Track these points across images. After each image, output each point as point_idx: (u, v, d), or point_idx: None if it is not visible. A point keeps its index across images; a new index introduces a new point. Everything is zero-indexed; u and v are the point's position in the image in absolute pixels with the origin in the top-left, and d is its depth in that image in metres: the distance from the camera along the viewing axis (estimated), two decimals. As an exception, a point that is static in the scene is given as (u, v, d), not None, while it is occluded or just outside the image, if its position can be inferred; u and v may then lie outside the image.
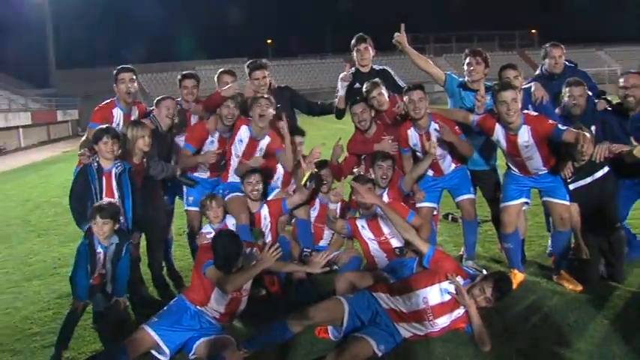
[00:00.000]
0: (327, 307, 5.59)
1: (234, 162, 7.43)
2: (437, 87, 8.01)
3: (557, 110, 7.00)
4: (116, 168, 6.26)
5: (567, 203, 6.74)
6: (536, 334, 5.60)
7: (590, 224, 6.81)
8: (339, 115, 8.24)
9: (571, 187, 6.75)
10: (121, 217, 6.17)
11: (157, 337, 5.36)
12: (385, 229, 6.86)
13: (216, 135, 7.32)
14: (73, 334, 5.79)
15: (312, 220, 7.60)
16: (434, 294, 5.52)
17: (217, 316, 5.71)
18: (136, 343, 5.32)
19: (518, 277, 6.83)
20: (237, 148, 7.37)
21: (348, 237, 7.44)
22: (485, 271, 6.52)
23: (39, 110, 46.41)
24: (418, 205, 7.31)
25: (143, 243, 7.14)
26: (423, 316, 5.46)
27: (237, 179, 7.33)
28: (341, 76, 8.09)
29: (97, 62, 62.61)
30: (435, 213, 7.71)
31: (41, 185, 18.64)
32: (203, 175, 7.58)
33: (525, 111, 6.51)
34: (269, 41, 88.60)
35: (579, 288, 6.58)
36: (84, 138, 7.10)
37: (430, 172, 7.36)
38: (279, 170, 7.62)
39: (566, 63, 7.59)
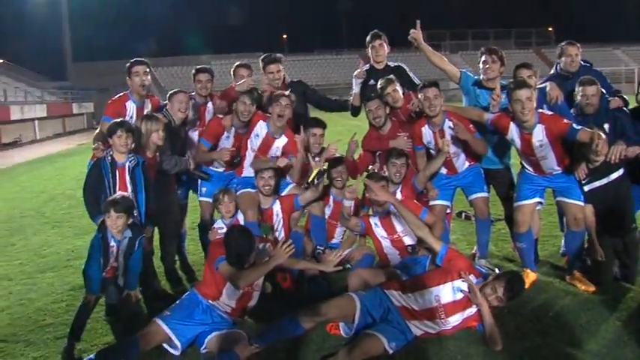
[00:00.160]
0: (339, 303, 5.60)
1: (249, 156, 7.44)
2: (452, 84, 7.99)
3: (572, 110, 6.96)
4: (130, 162, 6.28)
5: (581, 204, 6.70)
6: (548, 334, 5.57)
7: (605, 225, 6.76)
8: (355, 112, 8.23)
9: (586, 188, 6.71)
10: (135, 211, 6.18)
11: (169, 331, 5.39)
12: (398, 227, 6.86)
13: (232, 131, 7.33)
14: (86, 326, 5.81)
15: (327, 217, 7.58)
16: (446, 292, 5.52)
17: (229, 310, 5.74)
18: (149, 337, 5.35)
19: (530, 276, 6.80)
20: (254, 143, 7.38)
21: (361, 234, 7.43)
22: (497, 270, 6.55)
23: (54, 103, 46.58)
24: (431, 202, 7.28)
25: (156, 237, 7.17)
26: (434, 314, 5.46)
27: (251, 174, 7.32)
28: (355, 73, 8.08)
29: (113, 55, 62.70)
30: (448, 211, 7.70)
31: (56, 177, 18.72)
32: (218, 169, 7.60)
33: (540, 110, 6.49)
34: (284, 36, 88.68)
35: (592, 289, 6.55)
36: (97, 131, 7.16)
37: (444, 170, 7.34)
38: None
39: (582, 62, 7.53)
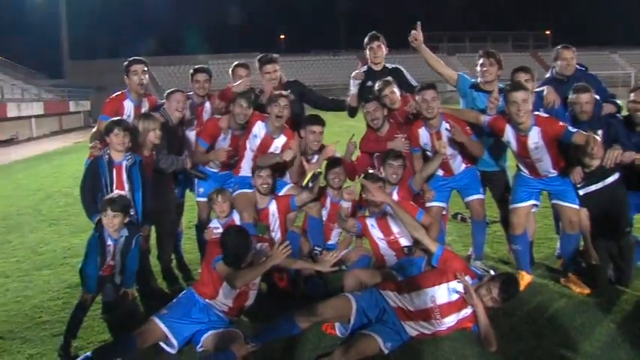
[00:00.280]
0: (335, 304, 5.63)
1: (247, 156, 7.45)
2: (449, 87, 8.03)
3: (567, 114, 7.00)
4: (127, 160, 6.31)
5: (576, 207, 6.75)
6: (543, 335, 5.61)
7: (600, 229, 6.80)
8: (352, 113, 8.25)
9: (581, 192, 6.75)
10: (132, 210, 6.20)
11: (165, 329, 5.41)
12: (394, 228, 6.90)
13: (229, 132, 7.34)
14: (82, 323, 5.84)
15: (324, 218, 7.60)
16: (442, 293, 5.55)
17: (226, 309, 5.77)
18: (146, 335, 5.37)
19: (526, 278, 6.84)
20: (252, 143, 7.39)
21: (357, 235, 7.46)
22: (493, 272, 6.56)
23: (51, 100, 46.51)
24: (428, 204, 7.31)
25: (153, 235, 7.19)
26: (430, 315, 5.49)
27: (248, 173, 7.34)
28: (353, 74, 8.11)
29: (110, 54, 62.76)
30: (444, 213, 7.73)
31: (53, 175, 18.71)
32: (214, 169, 7.61)
33: (536, 112, 6.53)
34: (282, 37, 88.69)
35: (587, 291, 6.59)
36: (94, 130, 7.19)
37: (440, 172, 7.37)
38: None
39: (577, 66, 7.57)
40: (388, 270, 6.56)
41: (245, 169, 7.47)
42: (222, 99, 7.58)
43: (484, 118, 6.86)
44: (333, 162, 7.55)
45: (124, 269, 6.08)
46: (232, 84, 7.50)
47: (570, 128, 6.25)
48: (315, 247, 7.28)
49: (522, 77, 7.12)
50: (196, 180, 7.62)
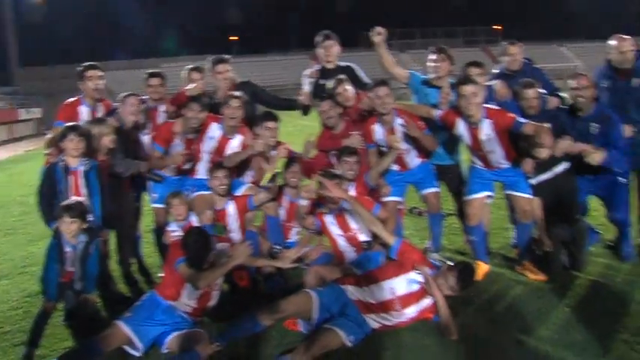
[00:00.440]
0: (297, 300, 5.71)
1: (204, 158, 7.46)
2: (401, 84, 8.10)
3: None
4: (83, 166, 6.28)
5: (529, 196, 6.92)
6: (501, 322, 5.76)
7: (552, 217, 6.99)
8: (305, 111, 8.30)
9: (533, 181, 6.94)
10: (90, 215, 6.18)
11: (130, 332, 5.41)
12: (353, 224, 6.95)
13: (183, 136, 7.34)
14: (45, 332, 5.80)
15: (282, 217, 7.65)
16: (401, 284, 5.65)
17: (189, 310, 5.79)
18: (110, 339, 5.36)
19: (482, 268, 6.99)
20: (208, 145, 7.42)
21: (316, 233, 7.52)
22: (450, 263, 6.67)
23: (0, 109, 45.68)
24: (384, 199, 7.39)
25: (112, 240, 7.15)
26: (390, 307, 5.58)
27: (205, 176, 7.35)
28: (307, 72, 8.18)
29: (60, 60, 61.66)
30: (400, 207, 7.83)
31: (5, 184, 18.36)
32: (169, 174, 7.58)
33: (486, 105, 6.68)
34: (233, 38, 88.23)
35: (542, 278, 6.77)
36: (49, 136, 7.13)
37: (396, 167, 7.47)
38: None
39: (523, 60, 7.76)
40: (348, 265, 6.64)
41: (201, 171, 7.49)
42: (175, 103, 7.60)
43: (436, 112, 7.00)
44: (291, 161, 7.60)
45: (84, 275, 6.04)
46: (186, 88, 7.52)
47: (520, 119, 6.42)
48: (274, 246, 7.32)
49: (474, 72, 7.25)
50: (151, 186, 7.60)
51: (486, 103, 6.77)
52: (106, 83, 7.47)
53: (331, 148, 7.68)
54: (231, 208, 7.23)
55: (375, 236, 6.53)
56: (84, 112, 7.20)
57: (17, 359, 5.58)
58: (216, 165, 7.22)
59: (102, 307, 6.59)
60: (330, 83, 7.64)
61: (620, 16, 71.62)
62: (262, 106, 8.50)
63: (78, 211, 5.87)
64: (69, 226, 5.82)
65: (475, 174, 7.11)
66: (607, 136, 6.75)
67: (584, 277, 6.77)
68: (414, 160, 7.44)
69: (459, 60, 7.44)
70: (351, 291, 5.76)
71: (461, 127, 6.77)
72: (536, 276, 6.82)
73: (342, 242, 7.02)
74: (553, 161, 6.79)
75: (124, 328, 5.43)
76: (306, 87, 8.12)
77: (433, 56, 7.39)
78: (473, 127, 6.65)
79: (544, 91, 7.14)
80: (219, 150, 7.41)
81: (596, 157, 6.54)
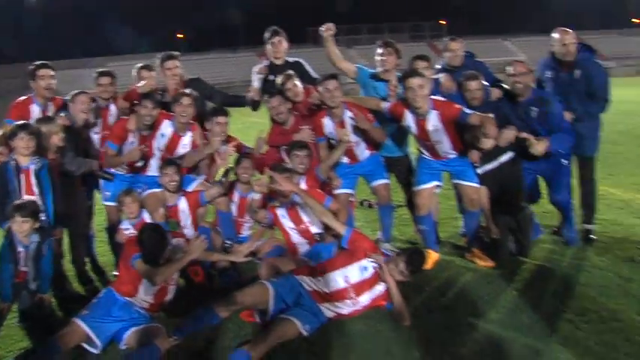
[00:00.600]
0: (253, 291, 5.78)
1: (156, 155, 7.46)
2: (349, 79, 8.20)
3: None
4: (35, 164, 6.22)
5: (476, 185, 7.11)
6: (453, 307, 5.93)
7: (499, 205, 7.19)
8: (255, 107, 8.32)
9: (479, 171, 7.13)
10: (43, 214, 6.15)
11: (88, 330, 5.41)
12: (305, 217, 7.02)
13: (137, 133, 7.34)
14: (0, 333, 5.77)
15: (233, 212, 7.69)
16: (354, 272, 5.77)
17: (146, 306, 5.82)
18: (68, 337, 5.35)
19: (433, 256, 7.15)
20: (160, 142, 7.42)
21: (269, 226, 7.57)
22: (400, 251, 6.82)
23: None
24: (335, 191, 7.47)
25: (65, 240, 7.11)
26: (344, 295, 5.69)
27: (156, 173, 7.35)
28: (255, 69, 8.22)
29: (7, 59, 60.38)
30: (351, 199, 7.94)
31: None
32: (121, 171, 7.55)
33: (433, 97, 6.82)
34: (180, 36, 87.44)
35: (490, 264, 6.97)
36: (-1, 135, 7.05)
37: (346, 159, 7.57)
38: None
39: (464, 53, 7.94)
40: (301, 257, 6.74)
41: (153, 168, 7.48)
42: (128, 99, 7.60)
43: (384, 105, 7.12)
44: (242, 157, 7.65)
45: (38, 275, 6.01)
46: (138, 85, 7.53)
47: (466, 110, 6.58)
48: (226, 241, 7.37)
49: (421, 65, 7.37)
50: (102, 184, 7.57)
51: (432, 95, 6.91)
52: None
53: (282, 144, 7.72)
54: (182, 204, 7.26)
55: (326, 228, 6.63)
56: (35, 111, 7.15)
57: (-28, 362, 5.54)
58: (166, 162, 7.24)
59: (57, 307, 6.56)
60: (279, 79, 7.69)
61: (562, 10, 73.20)
62: (211, 102, 8.52)
63: (30, 210, 5.83)
64: (21, 226, 5.79)
65: (423, 165, 7.26)
66: (547, 117, 6.96)
67: (531, 262, 7.00)
68: (363, 152, 7.54)
69: (405, 54, 7.55)
70: (306, 281, 5.86)
71: (409, 119, 6.91)
72: (484, 262, 7.01)
73: (294, 235, 7.09)
74: (498, 151, 6.99)
75: (81, 325, 5.42)
76: (256, 83, 8.15)
77: (380, 50, 7.51)
78: (420, 119, 6.80)
79: (486, 83, 7.32)
80: (171, 147, 7.43)
81: (539, 147, 6.74)
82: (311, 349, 5.28)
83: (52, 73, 7.26)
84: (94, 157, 7.21)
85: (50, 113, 7.13)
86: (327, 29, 7.55)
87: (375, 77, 7.62)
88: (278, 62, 8.15)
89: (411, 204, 7.75)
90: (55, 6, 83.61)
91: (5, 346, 5.77)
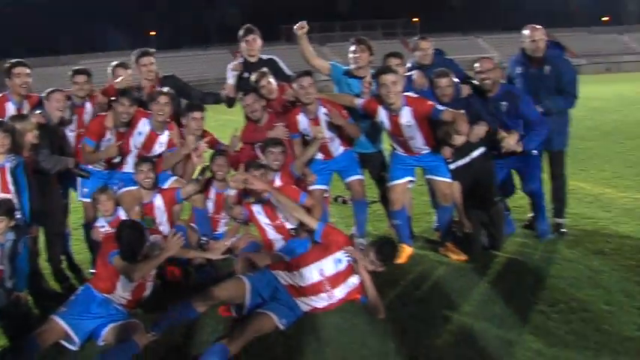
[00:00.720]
0: (229, 285, 5.84)
1: (132, 152, 7.46)
2: (323, 76, 8.26)
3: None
4: (10, 162, 6.19)
5: (449, 180, 7.22)
6: (427, 300, 6.02)
7: (471, 200, 7.30)
8: (230, 103, 8.35)
9: (452, 166, 7.23)
10: (18, 213, 6.12)
11: (66, 326, 5.41)
12: (280, 213, 7.07)
13: (114, 130, 7.33)
14: (-24, 332, 5.74)
15: (210, 211, 7.72)
16: (328, 265, 5.84)
17: (124, 302, 5.85)
18: (46, 334, 5.35)
19: (407, 250, 7.26)
20: (137, 140, 7.42)
21: (244, 223, 7.60)
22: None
23: None
24: (310, 187, 7.52)
25: (41, 238, 7.09)
26: (320, 289, 5.76)
27: (132, 170, 7.35)
28: (230, 66, 8.24)
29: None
30: (325, 195, 8.01)
31: None
32: (98, 168, 7.54)
33: (406, 93, 6.91)
34: (152, 33, 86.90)
35: (464, 258, 7.09)
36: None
37: (320, 156, 7.63)
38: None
39: (433, 50, 8.04)
40: (277, 253, 6.78)
41: (129, 165, 7.48)
42: (106, 95, 7.64)
43: (358, 101, 7.20)
44: (217, 153, 7.69)
45: (14, 273, 5.98)
46: (115, 81, 7.57)
47: (438, 106, 6.66)
48: (202, 238, 7.41)
49: (394, 62, 7.47)
50: (80, 180, 7.55)
51: (405, 92, 6.99)
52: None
53: (256, 141, 7.76)
54: (158, 201, 7.27)
55: (301, 223, 6.69)
56: (10, 109, 7.13)
57: (-52, 362, 5.50)
58: (141, 159, 7.26)
59: (34, 305, 6.54)
60: (253, 76, 7.72)
61: (535, 8, 73.89)
62: (186, 100, 8.53)
63: (5, 208, 5.79)
64: None
65: (397, 160, 7.35)
66: (517, 111, 7.09)
67: (503, 256, 7.13)
68: (337, 148, 7.60)
69: (378, 52, 7.63)
70: (282, 276, 5.93)
71: (382, 115, 6.98)
72: (457, 256, 7.13)
73: (270, 231, 7.14)
74: (470, 147, 7.10)
75: (60, 322, 5.43)
76: (230, 80, 8.18)
77: (353, 47, 7.58)
78: (393, 115, 6.88)
79: (457, 80, 7.42)
80: (148, 145, 7.44)
81: (510, 140, 6.86)
82: (287, 343, 5.33)
83: (27, 71, 7.23)
84: (69, 154, 7.18)
85: (25, 111, 7.12)
86: (300, 27, 7.61)
87: (349, 74, 7.69)
88: (252, 60, 8.19)
89: (384, 199, 7.83)
90: (25, 3, 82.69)
91: (-18, 345, 5.75)
